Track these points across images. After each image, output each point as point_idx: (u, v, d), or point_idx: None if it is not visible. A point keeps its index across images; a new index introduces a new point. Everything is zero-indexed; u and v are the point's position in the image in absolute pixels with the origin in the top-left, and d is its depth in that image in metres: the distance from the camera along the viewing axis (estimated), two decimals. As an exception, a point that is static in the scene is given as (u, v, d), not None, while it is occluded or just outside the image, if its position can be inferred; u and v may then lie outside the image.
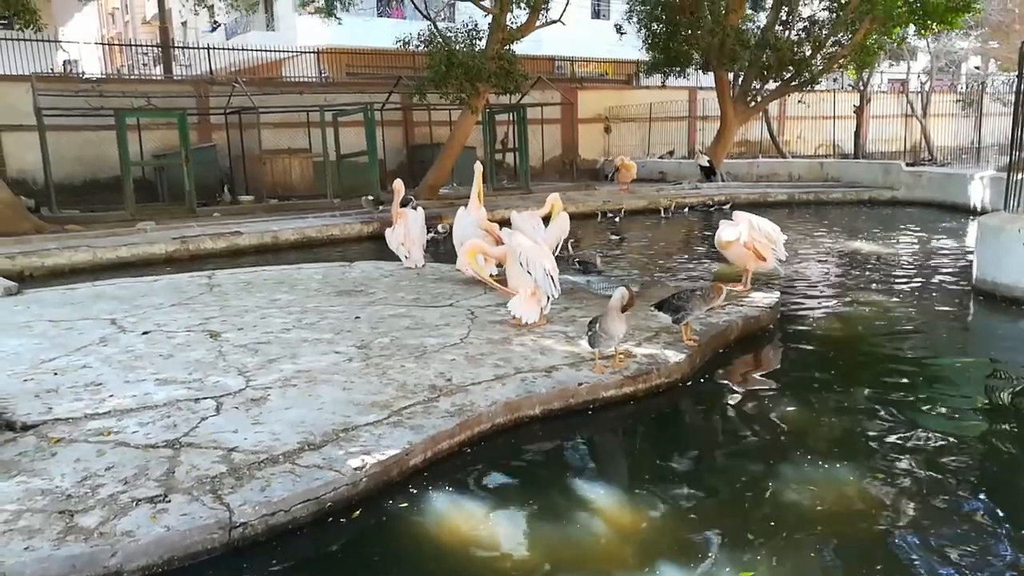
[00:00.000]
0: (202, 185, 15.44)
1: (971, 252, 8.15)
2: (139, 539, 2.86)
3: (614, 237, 11.19)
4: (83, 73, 23.03)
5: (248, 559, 2.99)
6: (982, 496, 3.49)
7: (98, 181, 16.98)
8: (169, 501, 3.09)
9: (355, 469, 3.37)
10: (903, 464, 3.79)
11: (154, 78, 25.03)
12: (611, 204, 14.68)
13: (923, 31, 17.48)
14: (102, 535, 2.87)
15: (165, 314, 6.31)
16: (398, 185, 8.33)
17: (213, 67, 24.87)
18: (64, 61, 26.73)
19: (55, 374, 4.72)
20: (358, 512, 3.31)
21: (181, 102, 16.91)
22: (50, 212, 13.97)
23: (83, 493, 3.17)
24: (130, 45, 33.26)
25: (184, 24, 34.73)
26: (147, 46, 30.03)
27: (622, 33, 19.78)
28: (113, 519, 2.97)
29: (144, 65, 30.00)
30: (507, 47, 15.41)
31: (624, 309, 4.50)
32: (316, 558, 3.10)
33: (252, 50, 24.72)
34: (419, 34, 15.45)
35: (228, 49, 25.63)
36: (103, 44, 35.10)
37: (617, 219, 13.57)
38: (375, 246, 10.51)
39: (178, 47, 28.40)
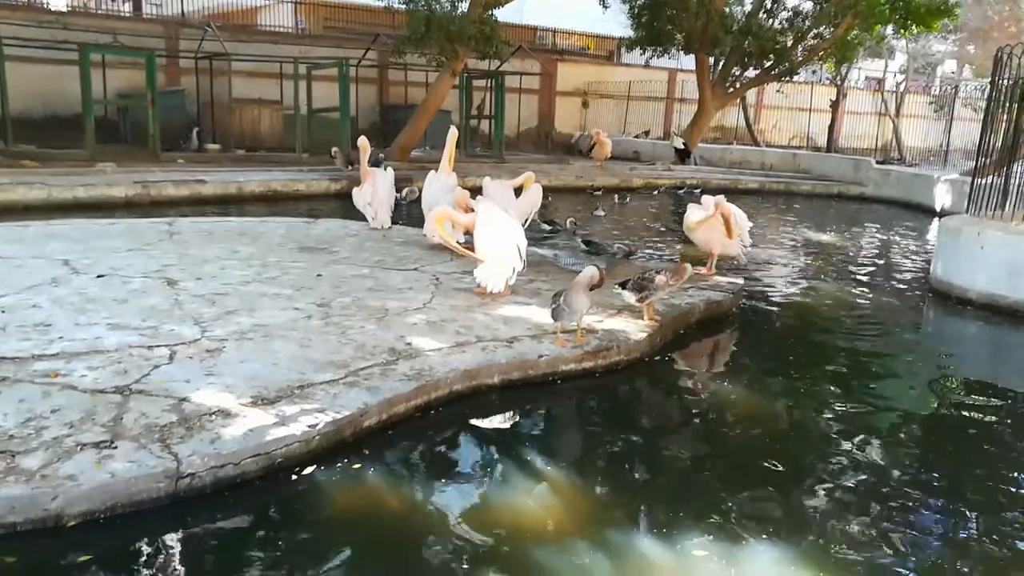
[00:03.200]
0: (168, 130, 15.02)
1: (931, 252, 8.31)
2: (82, 484, 2.80)
3: (599, 214, 11.19)
4: (47, 4, 22.17)
5: (193, 510, 2.95)
6: (919, 483, 3.59)
7: (58, 117, 16.40)
8: (115, 447, 3.03)
9: (308, 426, 3.34)
10: (851, 448, 3.87)
11: (122, 15, 24.18)
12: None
13: (903, 31, 17.62)
14: (44, 477, 2.80)
15: (122, 258, 6.15)
16: (363, 142, 8.13)
17: (185, 8, 24.09)
18: (28, -10, 25.66)
19: (2, 312, 4.58)
20: (309, 469, 3.28)
21: (150, 42, 16.37)
22: (5, 145, 13.49)
23: (26, 434, 3.09)
24: (100, -22, 32.01)
25: (158, -39, 33.52)
26: (117, -19, 28.93)
27: (606, 7, 19.59)
28: (56, 462, 2.90)
29: (112, 1, 28.92)
30: (490, 12, 15.19)
31: (592, 288, 4.51)
32: (263, 513, 3.08)
33: (227, -6, 23.98)
34: (402, -9, 15.16)
35: (202, -9, 24.82)
36: (71, -25, 33.75)
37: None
38: (342, 204, 10.35)
39: (150, -16, 27.38)
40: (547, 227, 9.11)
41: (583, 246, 7.96)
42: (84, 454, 2.97)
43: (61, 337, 4.20)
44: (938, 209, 13.45)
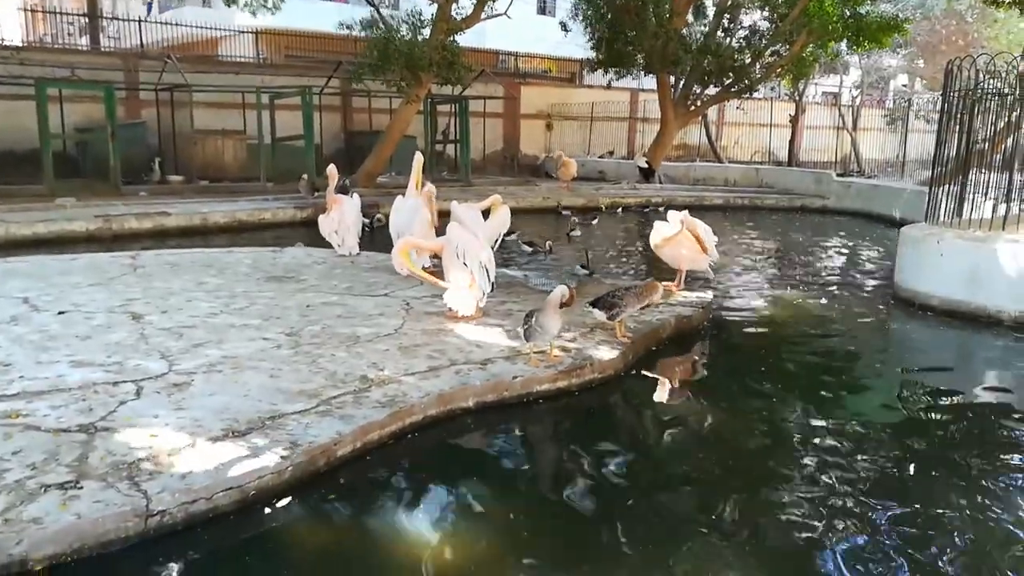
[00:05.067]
0: (129, 163, 14.82)
1: (893, 261, 8.47)
2: (47, 526, 2.71)
3: (576, 234, 11.25)
4: (2, 40, 21.88)
5: (165, 548, 2.87)
6: (890, 492, 3.62)
7: (14, 153, 16.07)
8: (81, 487, 2.94)
9: (280, 458, 3.28)
10: (820, 461, 3.89)
11: (80, 48, 23.93)
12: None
13: (856, 47, 18.10)
14: (7, 521, 2.71)
15: (84, 294, 6.03)
16: (332, 171, 8.16)
17: (144, 41, 23.94)
18: (-18, 26, 25.31)
19: (-40, 353, 4.45)
20: (284, 502, 3.21)
21: (108, 75, 16.19)
22: (-39, 184, 13.22)
23: (-14, 478, 2.99)
24: (54, 12, 31.66)
25: (115, -6, 33.30)
26: (73, 15, 28.66)
27: (567, 31, 19.85)
28: (19, 505, 2.81)
29: (69, 35, 28.62)
30: (451, 38, 15.29)
31: (563, 306, 4.52)
32: (237, 548, 3.00)
33: (186, 26, 23.86)
34: (361, 20, 15.20)
35: (160, 23, 24.69)
36: (25, 10, 33.34)
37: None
38: (309, 232, 10.27)
39: (106, 17, 27.14)
40: (528, 248, 9.33)
41: (582, 270, 8.06)
42: (48, 496, 2.88)
43: (21, 376, 4.09)
44: (897, 218, 13.72)
